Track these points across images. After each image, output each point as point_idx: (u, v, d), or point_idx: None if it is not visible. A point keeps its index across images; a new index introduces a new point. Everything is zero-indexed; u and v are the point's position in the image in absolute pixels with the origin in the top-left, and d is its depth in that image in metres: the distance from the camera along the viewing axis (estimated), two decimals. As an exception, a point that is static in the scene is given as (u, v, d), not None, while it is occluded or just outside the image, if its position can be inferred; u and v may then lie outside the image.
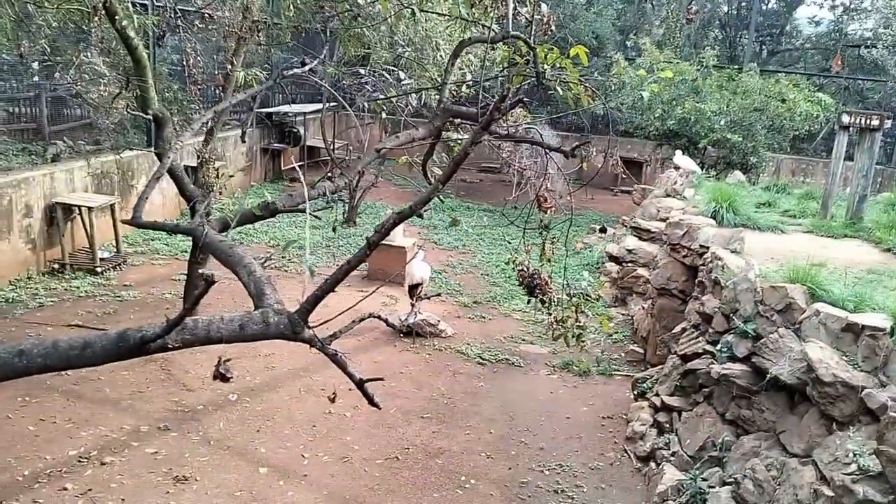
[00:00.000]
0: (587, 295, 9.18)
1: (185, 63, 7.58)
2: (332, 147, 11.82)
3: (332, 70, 6.70)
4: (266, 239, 11.49)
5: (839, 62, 13.04)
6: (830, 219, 7.86)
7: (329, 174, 3.57)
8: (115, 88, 7.28)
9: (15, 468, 5.24)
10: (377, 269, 10.30)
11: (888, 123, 7.41)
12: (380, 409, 2.69)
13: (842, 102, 15.72)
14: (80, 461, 5.41)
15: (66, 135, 9.82)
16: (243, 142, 6.87)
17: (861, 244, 7.23)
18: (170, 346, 2.47)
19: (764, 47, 21.21)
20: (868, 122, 7.37)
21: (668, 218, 8.42)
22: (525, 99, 3.50)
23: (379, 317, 2.77)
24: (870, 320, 4.54)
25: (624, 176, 13.69)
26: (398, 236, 10.36)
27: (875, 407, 4.15)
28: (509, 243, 8.89)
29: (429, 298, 2.92)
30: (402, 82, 4.13)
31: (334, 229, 2.64)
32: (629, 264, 9.49)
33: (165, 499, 5.09)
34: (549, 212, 4.16)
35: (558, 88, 3.42)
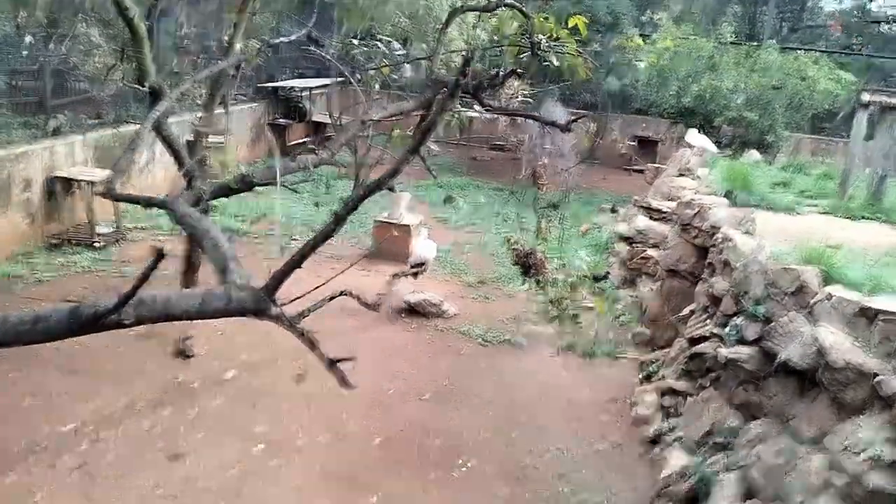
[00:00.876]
0: (596, 276, 9.01)
1: (178, 34, 7.43)
2: (338, 122, 11.66)
3: (336, 43, 6.53)
4: (276, 214, 11.34)
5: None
6: (849, 200, 7.60)
7: (312, 146, 3.40)
8: (110, 60, 7.15)
9: (9, 441, 5.19)
10: (381, 247, 10.16)
11: (911, 101, 7.11)
12: (351, 387, 2.55)
13: (864, 81, 15.26)
14: (75, 435, 5.36)
15: (69, 108, 9.72)
16: (211, 112, 6.66)
17: (880, 226, 6.98)
18: (125, 322, 2.34)
19: (784, 24, 20.63)
20: (889, 100, 7.07)
21: (679, 197, 8.18)
22: (520, 71, 3.32)
23: (351, 294, 2.62)
24: (885, 304, 4.34)
25: (626, 153, 13.40)
26: (404, 214, 10.20)
27: (888, 394, 3.96)
28: (522, 221, 8.67)
29: (406, 276, 2.75)
30: (396, 52, 3.94)
31: (316, 204, 2.48)
32: (639, 245, 9.26)
33: (158, 474, 5.03)
34: (543, 188, 3.98)
35: (553, 59, 3.23)
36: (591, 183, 16.53)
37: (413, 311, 8.36)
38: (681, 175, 9.97)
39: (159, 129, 6.96)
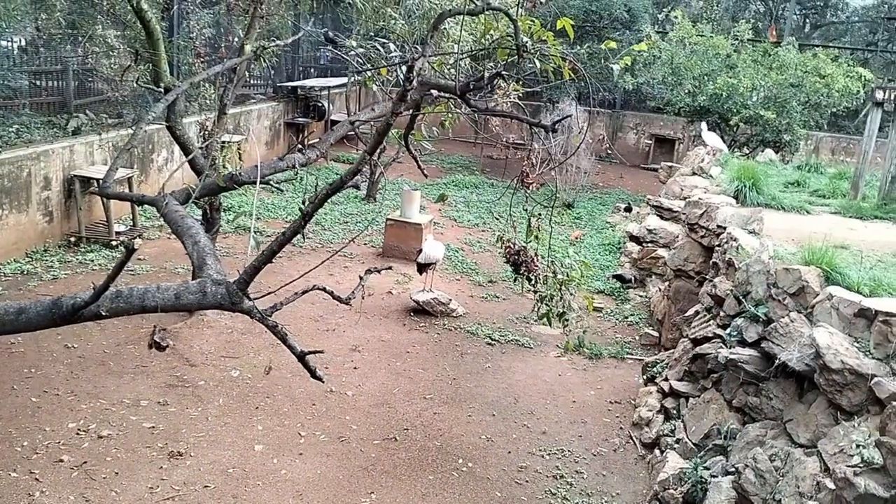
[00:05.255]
0: (622, 277, 8.90)
1: (190, 36, 7.56)
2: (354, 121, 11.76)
3: (354, 43, 6.59)
4: (284, 215, 11.44)
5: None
6: (861, 199, 7.46)
7: (299, 147, 3.44)
8: (126, 61, 7.28)
9: (15, 439, 5.30)
10: (392, 246, 10.22)
11: (925, 98, 6.95)
12: (322, 381, 2.60)
13: (888, 78, 14.95)
14: (78, 433, 5.46)
15: (91, 108, 9.93)
16: (224, 113, 6.75)
17: (891, 226, 6.83)
18: (103, 314, 2.40)
19: (808, 21, 20.27)
20: (903, 96, 6.93)
21: (689, 197, 8.10)
22: (504, 73, 3.32)
23: (324, 289, 2.65)
24: (883, 305, 4.25)
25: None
26: (414, 213, 10.24)
27: (884, 396, 3.88)
28: (539, 218, 8.66)
29: (379, 272, 2.75)
30: (392, 54, 3.96)
31: (304, 202, 2.51)
32: (649, 244, 9.19)
33: (158, 473, 5.09)
34: (531, 187, 3.97)
35: (537, 61, 3.23)
36: (607, 182, 16.44)
37: (422, 310, 8.39)
38: (694, 174, 9.87)
39: (173, 130, 7.11)
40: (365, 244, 10.76)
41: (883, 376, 3.98)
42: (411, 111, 3.69)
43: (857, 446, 3.75)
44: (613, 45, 3.45)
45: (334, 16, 15.02)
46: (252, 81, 15.49)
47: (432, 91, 3.83)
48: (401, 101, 2.17)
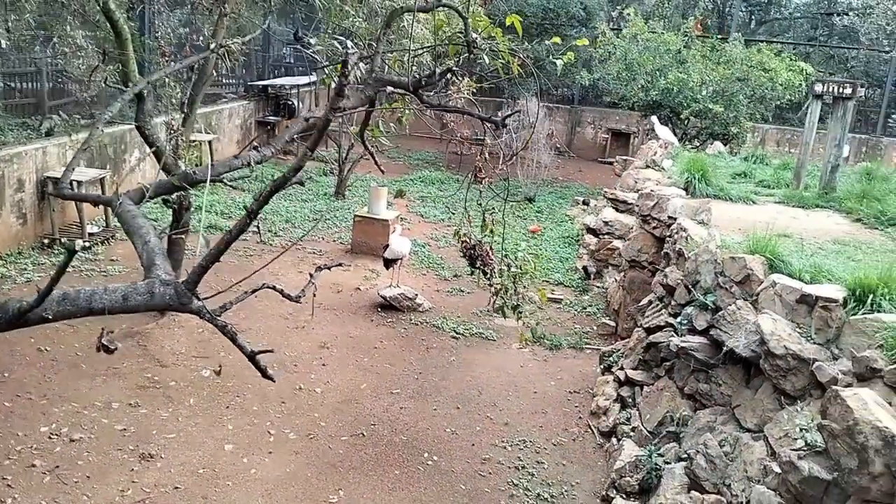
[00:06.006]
0: (587, 270, 9.05)
1: (156, 35, 7.54)
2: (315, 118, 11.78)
3: (314, 41, 6.65)
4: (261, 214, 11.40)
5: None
6: (804, 189, 7.81)
7: (254, 145, 3.52)
8: (94, 62, 7.22)
9: (-15, 446, 5.28)
10: (360, 242, 10.31)
11: (861, 92, 7.32)
12: (273, 381, 2.70)
13: (828, 72, 15.55)
14: (50, 437, 5.46)
15: (64, 109, 9.79)
16: (190, 112, 6.78)
17: (831, 214, 7.19)
18: (49, 318, 2.46)
19: (753, 17, 20.91)
20: (841, 90, 7.28)
21: (642, 189, 8.37)
22: (455, 69, 3.46)
23: (273, 287, 2.74)
24: (823, 291, 4.50)
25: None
26: (381, 209, 10.33)
27: (825, 380, 4.11)
28: (493, 213, 8.86)
29: (329, 269, 2.86)
30: (350, 52, 4.06)
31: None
32: (606, 236, 9.46)
33: (129, 476, 5.13)
34: (483, 182, 4.13)
35: (486, 58, 3.38)
36: (566, 175, 16.74)
37: (389, 305, 8.51)
38: (647, 167, 10.17)
39: (142, 129, 7.08)
40: (334, 241, 10.84)
41: (824, 361, 4.23)
42: (366, 107, 3.82)
43: (801, 430, 3.96)
44: (558, 40, 3.60)
45: (305, 15, 15.00)
46: (224, 80, 15.40)
47: (387, 87, 3.95)
48: (338, 98, 2.26)
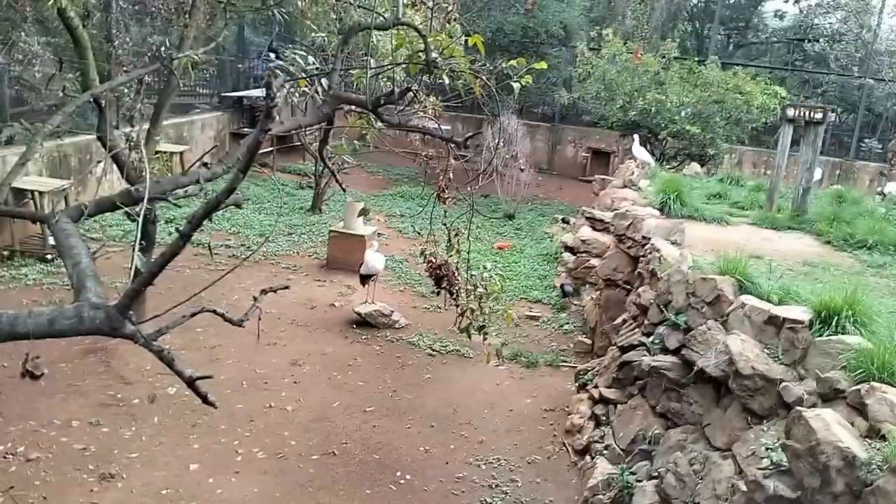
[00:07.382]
0: (566, 290, 9.07)
1: (113, 45, 7.50)
2: (305, 132, 11.71)
3: (273, 55, 6.67)
4: (227, 226, 11.29)
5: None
6: (777, 211, 7.91)
7: (203, 161, 3.46)
8: (51, 70, 7.13)
9: (-60, 467, 5.13)
10: (336, 258, 10.25)
11: (831, 117, 7.45)
12: (215, 407, 2.61)
13: (803, 96, 15.84)
14: (5, 458, 5.31)
15: (27, 117, 9.65)
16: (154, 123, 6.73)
17: (803, 236, 7.28)
18: None
19: (731, 40, 21.32)
20: (812, 115, 7.40)
21: (618, 208, 8.42)
22: (415, 88, 3.45)
23: (215, 311, 2.68)
24: (790, 313, 4.55)
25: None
26: (358, 225, 10.29)
27: (791, 400, 4.15)
28: (458, 234, 8.87)
29: (275, 291, 2.79)
30: (311, 66, 4.05)
31: (177, 230, 2.46)
32: (583, 255, 9.49)
33: (88, 497, 5.00)
34: (446, 202, 4.12)
35: (445, 77, 3.38)
36: (547, 193, 16.84)
37: (364, 322, 8.45)
38: (624, 187, 10.24)
39: (104, 141, 6.98)
40: (309, 255, 10.77)
41: (790, 381, 4.26)
42: (323, 125, 3.79)
43: (767, 449, 3.99)
44: (515, 63, 3.60)
45: (282, 28, 15.02)
46: (198, 91, 15.29)
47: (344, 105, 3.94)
48: (266, 120, 2.21)
